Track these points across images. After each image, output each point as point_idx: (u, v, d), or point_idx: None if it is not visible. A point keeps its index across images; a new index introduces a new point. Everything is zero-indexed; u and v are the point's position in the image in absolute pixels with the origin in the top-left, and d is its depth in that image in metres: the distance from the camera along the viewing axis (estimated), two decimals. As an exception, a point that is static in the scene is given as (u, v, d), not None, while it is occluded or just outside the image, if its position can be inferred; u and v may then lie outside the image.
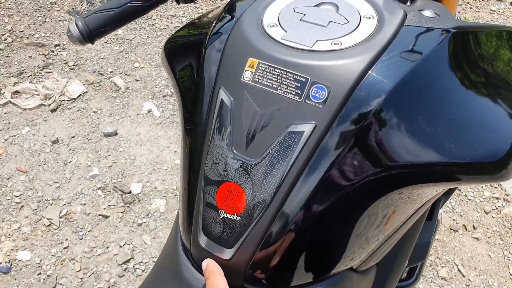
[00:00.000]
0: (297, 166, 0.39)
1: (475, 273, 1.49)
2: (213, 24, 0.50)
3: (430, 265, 1.49)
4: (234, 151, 0.42)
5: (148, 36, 2.16)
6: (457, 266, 1.50)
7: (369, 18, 0.44)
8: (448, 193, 0.76)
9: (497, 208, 1.65)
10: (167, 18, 2.26)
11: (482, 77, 0.44)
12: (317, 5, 0.46)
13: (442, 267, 1.49)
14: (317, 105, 0.39)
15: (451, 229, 1.59)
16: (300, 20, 0.44)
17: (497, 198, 1.67)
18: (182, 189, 0.48)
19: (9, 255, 1.39)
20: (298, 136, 0.39)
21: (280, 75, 0.41)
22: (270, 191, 0.40)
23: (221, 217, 0.42)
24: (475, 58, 0.44)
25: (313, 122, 0.39)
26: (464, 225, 1.60)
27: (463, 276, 1.48)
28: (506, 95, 0.42)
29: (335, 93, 0.39)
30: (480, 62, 0.45)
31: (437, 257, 1.52)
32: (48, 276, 1.36)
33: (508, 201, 1.67)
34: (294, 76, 0.40)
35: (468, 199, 1.68)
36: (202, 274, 0.46)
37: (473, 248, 1.55)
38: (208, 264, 0.44)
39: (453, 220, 1.61)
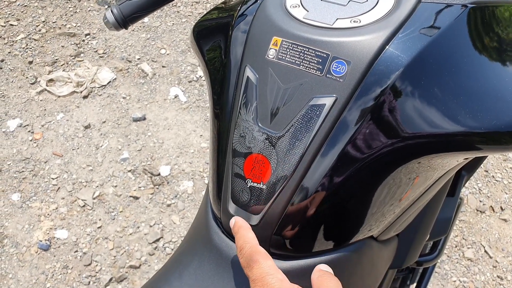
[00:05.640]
0: (319, 137, 0.42)
1: (503, 255, 1.47)
2: (239, 7, 0.53)
3: (456, 246, 1.49)
4: (260, 124, 0.44)
5: (173, 23, 2.20)
6: (484, 247, 1.49)
7: None
8: (471, 170, 0.76)
9: (526, 190, 1.62)
10: (192, 5, 2.29)
11: (499, 49, 0.45)
12: None
13: (468, 248, 1.49)
14: (338, 79, 0.41)
15: (477, 210, 1.58)
16: (321, 0, 0.46)
17: (527, 180, 1.64)
18: (212, 161, 0.51)
19: (48, 233, 1.48)
20: (319, 109, 0.42)
21: (303, 51, 0.43)
22: (293, 161, 0.43)
23: (248, 186, 0.45)
24: (493, 31, 0.45)
25: (334, 95, 0.41)
26: (491, 206, 1.59)
27: (490, 257, 1.47)
28: None
29: (355, 67, 0.41)
30: (498, 34, 0.45)
31: (463, 238, 1.51)
32: (84, 253, 1.44)
33: (538, 183, 1.63)
34: (316, 52, 0.42)
35: (496, 180, 1.65)
36: (232, 240, 0.49)
37: (501, 229, 1.53)
38: (236, 221, 0.46)
39: (480, 201, 1.60)
